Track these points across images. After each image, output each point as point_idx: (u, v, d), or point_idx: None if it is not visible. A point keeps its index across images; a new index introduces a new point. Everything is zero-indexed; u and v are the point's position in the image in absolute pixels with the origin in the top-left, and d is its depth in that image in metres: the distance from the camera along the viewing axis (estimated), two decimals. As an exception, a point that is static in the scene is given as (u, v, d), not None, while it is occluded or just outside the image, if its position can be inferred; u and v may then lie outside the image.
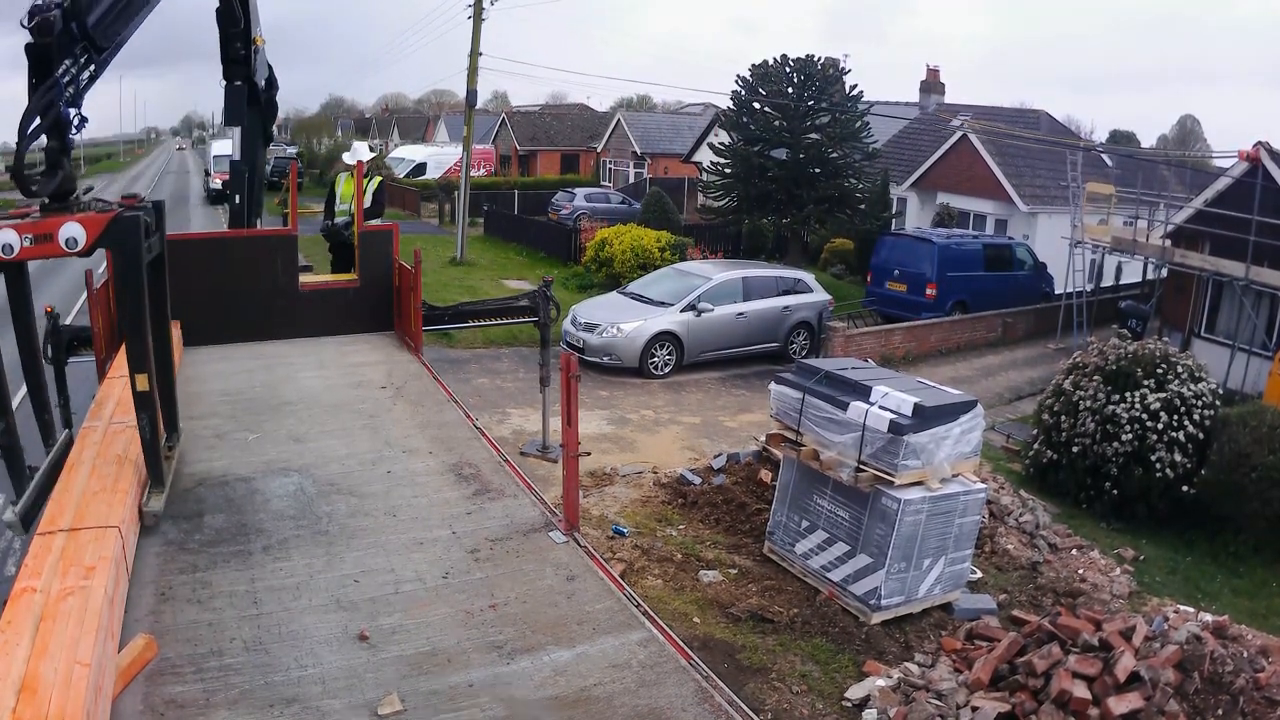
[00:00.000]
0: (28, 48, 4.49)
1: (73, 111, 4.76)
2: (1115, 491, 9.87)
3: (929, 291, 17.64)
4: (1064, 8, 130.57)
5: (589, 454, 7.57)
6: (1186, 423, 9.62)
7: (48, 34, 4.45)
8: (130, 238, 4.77)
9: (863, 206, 23.20)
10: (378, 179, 10.55)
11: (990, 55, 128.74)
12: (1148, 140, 53.44)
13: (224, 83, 9.60)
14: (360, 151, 10.37)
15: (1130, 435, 9.69)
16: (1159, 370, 9.92)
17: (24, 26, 4.45)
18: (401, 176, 42.11)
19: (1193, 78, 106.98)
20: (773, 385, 8.14)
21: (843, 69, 23.49)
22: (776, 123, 22.72)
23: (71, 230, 4.65)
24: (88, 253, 4.75)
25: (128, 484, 4.89)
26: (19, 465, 5.26)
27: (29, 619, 3.55)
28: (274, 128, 11.36)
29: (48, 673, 3.23)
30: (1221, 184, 15.37)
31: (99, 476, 4.90)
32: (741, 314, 14.91)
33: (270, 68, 10.01)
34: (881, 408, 7.00)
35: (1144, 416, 9.67)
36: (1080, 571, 8.44)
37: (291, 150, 49.49)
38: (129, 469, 5.05)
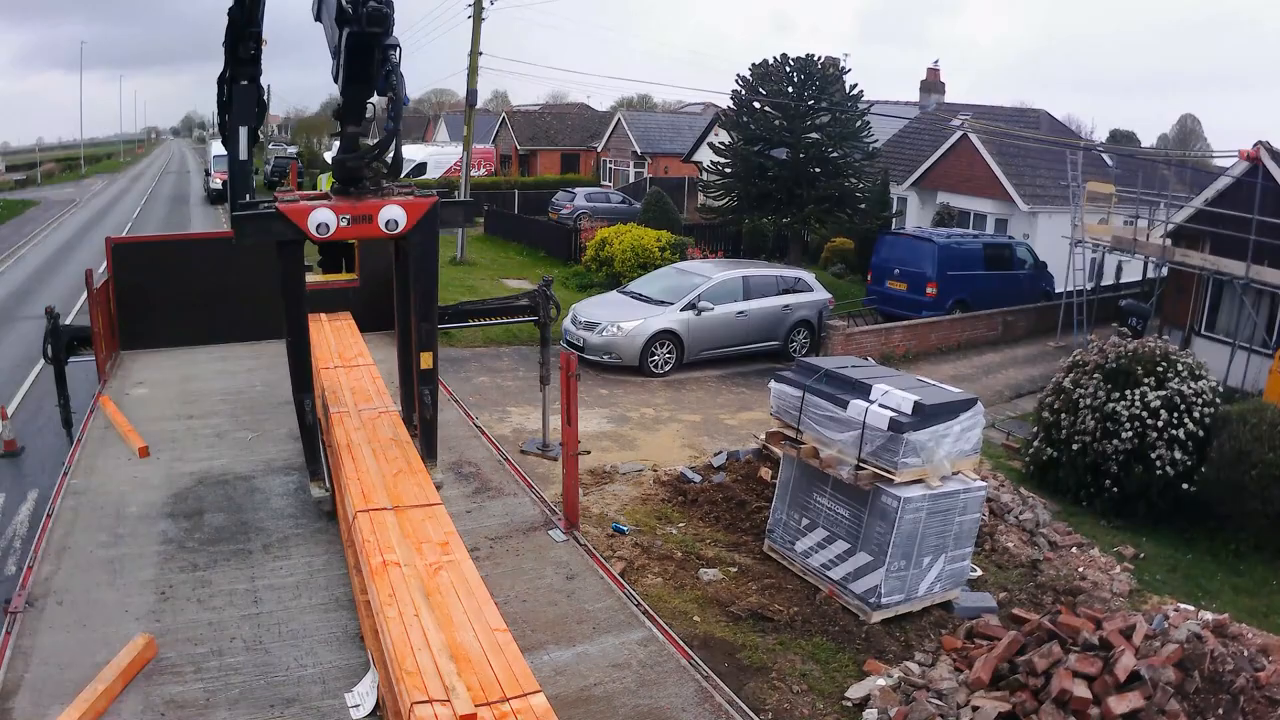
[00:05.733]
0: (351, 37, 4.51)
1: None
2: (1115, 489, 9.86)
3: (929, 290, 17.64)
4: (1110, 7, 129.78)
5: (589, 452, 7.58)
6: (1187, 420, 9.61)
7: (380, 25, 4.51)
8: (436, 224, 4.85)
9: (863, 206, 23.16)
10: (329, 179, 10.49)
11: (1020, 57, 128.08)
12: (1148, 140, 53.31)
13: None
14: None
15: (1130, 433, 9.68)
16: (1159, 368, 9.91)
17: (347, 19, 4.44)
18: (402, 176, 42.02)
19: (1225, 81, 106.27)
20: (773, 383, 8.13)
21: (842, 69, 23.45)
22: (776, 122, 22.66)
23: (393, 213, 4.71)
24: (404, 236, 4.78)
25: (419, 465, 4.94)
26: (316, 444, 5.37)
27: (413, 591, 3.57)
28: (274, 127, 11.33)
29: (468, 640, 3.28)
30: (1222, 183, 15.36)
31: (387, 459, 4.96)
32: (742, 313, 14.90)
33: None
34: (881, 406, 6.99)
35: (1144, 414, 9.66)
36: (1080, 569, 8.44)
37: (292, 150, 49.47)
38: (411, 452, 5.12)
